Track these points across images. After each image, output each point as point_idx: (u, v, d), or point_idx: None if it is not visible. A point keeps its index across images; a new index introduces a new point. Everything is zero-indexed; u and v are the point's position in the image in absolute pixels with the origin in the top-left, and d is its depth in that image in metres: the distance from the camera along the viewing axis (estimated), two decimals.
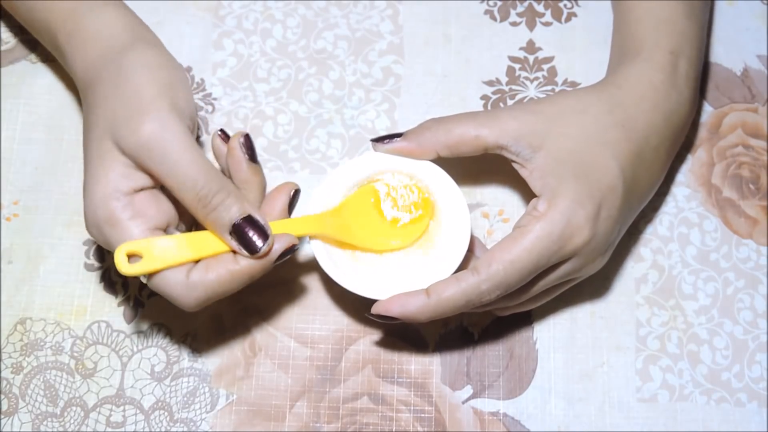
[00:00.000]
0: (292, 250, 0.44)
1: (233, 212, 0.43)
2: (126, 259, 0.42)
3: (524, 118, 0.47)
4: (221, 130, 0.48)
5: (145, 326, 0.52)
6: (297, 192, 0.47)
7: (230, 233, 0.43)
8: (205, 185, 0.43)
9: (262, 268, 0.44)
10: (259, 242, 0.43)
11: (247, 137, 0.46)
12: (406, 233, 0.49)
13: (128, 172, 0.44)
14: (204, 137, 0.56)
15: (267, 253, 0.43)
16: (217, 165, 0.48)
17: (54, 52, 0.51)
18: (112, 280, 0.53)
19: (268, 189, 0.48)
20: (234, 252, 0.44)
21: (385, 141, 0.49)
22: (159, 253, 0.42)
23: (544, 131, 0.46)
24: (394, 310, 0.45)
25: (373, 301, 0.46)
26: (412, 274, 0.47)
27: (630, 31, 0.52)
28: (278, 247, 0.44)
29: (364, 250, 0.48)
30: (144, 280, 0.44)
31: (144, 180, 0.44)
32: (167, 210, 0.45)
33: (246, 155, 0.46)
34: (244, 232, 0.43)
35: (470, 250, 0.48)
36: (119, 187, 0.43)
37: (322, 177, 0.52)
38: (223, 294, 0.44)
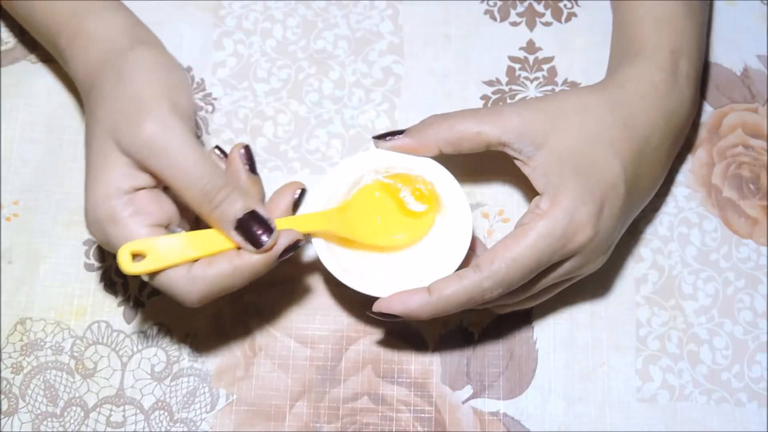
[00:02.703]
0: (296, 245, 0.44)
1: (238, 207, 0.43)
2: (130, 258, 0.42)
3: (527, 115, 0.47)
4: (217, 147, 0.48)
5: (145, 326, 0.52)
6: (303, 192, 0.47)
7: (235, 228, 0.43)
8: (209, 182, 0.43)
9: (266, 264, 0.44)
10: (263, 237, 0.43)
11: (247, 149, 0.46)
12: (413, 228, 0.49)
13: (129, 172, 0.44)
14: (204, 137, 0.56)
15: (271, 248, 0.43)
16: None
17: (54, 54, 0.51)
18: (112, 280, 0.53)
19: (268, 190, 0.48)
20: (238, 248, 0.44)
21: (387, 138, 0.49)
22: (162, 252, 0.42)
23: (546, 129, 0.46)
24: (396, 308, 0.45)
25: (375, 299, 0.46)
26: (413, 272, 0.47)
27: (630, 31, 0.52)
28: (282, 242, 0.44)
29: (370, 247, 0.48)
30: (146, 279, 0.44)
31: (145, 179, 0.44)
32: (168, 208, 0.45)
33: (246, 166, 0.46)
34: (249, 226, 0.43)
35: (471, 249, 0.48)
36: (120, 186, 0.43)
37: (322, 177, 0.51)
38: (225, 289, 0.44)
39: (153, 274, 0.43)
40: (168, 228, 0.45)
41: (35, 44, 0.58)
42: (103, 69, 0.46)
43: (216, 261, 0.43)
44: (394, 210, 0.49)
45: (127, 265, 0.42)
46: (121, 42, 0.47)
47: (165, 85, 0.45)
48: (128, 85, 0.44)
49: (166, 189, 0.45)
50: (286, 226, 0.45)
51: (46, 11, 0.49)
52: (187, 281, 0.43)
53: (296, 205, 0.47)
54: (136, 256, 0.42)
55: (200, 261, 0.44)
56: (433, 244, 0.49)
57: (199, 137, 0.56)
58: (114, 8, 0.49)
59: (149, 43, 0.48)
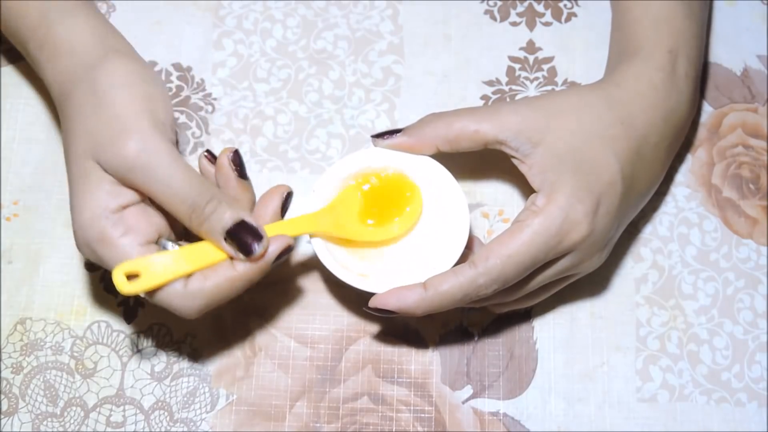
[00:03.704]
0: (288, 250, 0.44)
1: (226, 218, 0.43)
2: (125, 279, 0.42)
3: (524, 113, 0.47)
4: (207, 151, 0.47)
5: (145, 326, 0.52)
6: (289, 195, 0.46)
7: (225, 239, 0.43)
8: (196, 197, 0.43)
9: (259, 272, 0.44)
10: (254, 245, 0.43)
11: (235, 153, 0.46)
12: (400, 222, 0.49)
13: (115, 190, 0.44)
14: (204, 137, 0.56)
15: (263, 255, 0.43)
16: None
17: (27, 59, 0.50)
18: (112, 280, 0.53)
19: (268, 188, 0.48)
20: (231, 258, 0.44)
21: (385, 136, 0.49)
22: (157, 270, 0.43)
23: (543, 127, 0.47)
24: (392, 304, 0.45)
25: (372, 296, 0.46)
26: (411, 269, 0.47)
27: (629, 31, 0.52)
28: (273, 249, 0.44)
29: (361, 244, 0.49)
30: (143, 295, 0.44)
31: (131, 196, 0.44)
32: (157, 222, 0.45)
33: (235, 172, 0.46)
34: (239, 236, 0.43)
35: (469, 248, 0.48)
36: (107, 206, 0.43)
37: (321, 176, 0.51)
38: (222, 300, 0.44)
39: (150, 292, 0.43)
40: (159, 241, 0.45)
41: None
42: (75, 82, 0.45)
43: (211, 274, 0.43)
44: (380, 204, 0.49)
45: (122, 285, 0.42)
46: (92, 52, 0.46)
47: (142, 99, 0.44)
48: (105, 104, 0.44)
49: (153, 201, 0.45)
50: (276, 232, 0.45)
51: (15, 14, 0.48)
52: (184, 297, 0.43)
53: (284, 208, 0.46)
54: (131, 276, 0.43)
55: (196, 275, 0.44)
56: (431, 242, 0.49)
57: (196, 137, 0.56)
58: (85, 13, 0.48)
59: (122, 52, 0.47)
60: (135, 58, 0.47)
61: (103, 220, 0.43)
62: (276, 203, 0.46)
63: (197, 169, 0.46)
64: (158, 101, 0.45)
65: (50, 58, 0.47)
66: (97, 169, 0.44)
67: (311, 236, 0.47)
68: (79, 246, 0.44)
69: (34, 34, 0.47)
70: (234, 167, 0.46)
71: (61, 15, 0.47)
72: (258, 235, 0.43)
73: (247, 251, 0.43)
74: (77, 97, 0.45)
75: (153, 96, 0.45)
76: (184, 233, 0.47)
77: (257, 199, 0.47)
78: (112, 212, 0.43)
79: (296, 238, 0.46)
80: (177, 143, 0.46)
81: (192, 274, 0.44)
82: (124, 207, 0.44)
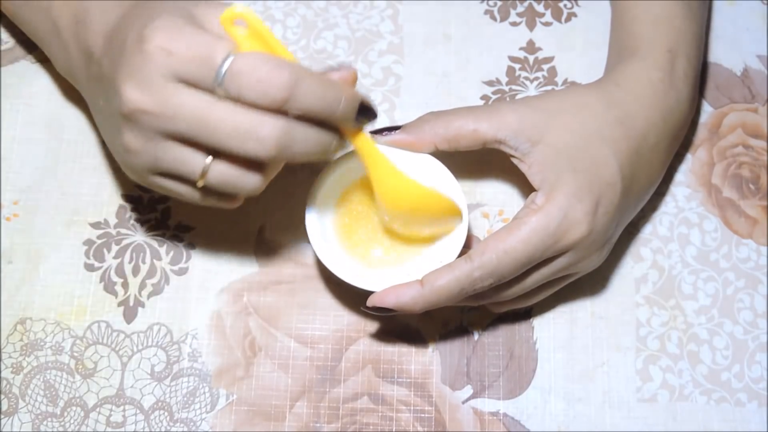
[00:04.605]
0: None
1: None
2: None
3: (523, 112, 0.47)
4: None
5: (145, 326, 0.52)
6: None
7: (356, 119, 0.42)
8: None
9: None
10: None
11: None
12: (437, 227, 0.48)
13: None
14: None
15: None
16: None
17: (51, 41, 0.48)
18: (112, 280, 0.53)
19: (268, 189, 0.48)
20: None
21: (384, 133, 0.49)
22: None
23: (542, 126, 0.47)
24: (389, 301, 0.45)
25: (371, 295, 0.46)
26: (409, 268, 0.47)
27: (628, 30, 0.52)
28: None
29: (363, 239, 0.48)
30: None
31: None
32: None
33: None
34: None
35: (467, 247, 0.48)
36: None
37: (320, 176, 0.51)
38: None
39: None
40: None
41: (35, 44, 0.58)
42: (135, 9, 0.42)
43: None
44: (428, 203, 0.47)
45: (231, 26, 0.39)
46: None
47: None
48: None
49: None
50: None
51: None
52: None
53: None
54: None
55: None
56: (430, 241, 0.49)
57: None
58: None
59: None
60: None
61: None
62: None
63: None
64: None
65: (95, 14, 0.44)
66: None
67: (311, 241, 0.46)
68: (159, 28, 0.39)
69: (66, 6, 0.45)
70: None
71: None
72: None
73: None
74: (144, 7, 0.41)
75: None
76: None
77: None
78: None
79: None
80: None
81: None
82: None
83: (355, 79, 0.42)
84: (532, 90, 0.57)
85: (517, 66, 0.58)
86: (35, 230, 0.54)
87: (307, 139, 0.40)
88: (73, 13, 0.45)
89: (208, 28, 0.39)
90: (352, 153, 0.49)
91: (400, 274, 0.47)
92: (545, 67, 0.58)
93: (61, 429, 0.50)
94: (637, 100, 0.48)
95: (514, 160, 0.48)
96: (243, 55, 0.38)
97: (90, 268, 0.53)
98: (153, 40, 0.38)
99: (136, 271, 0.53)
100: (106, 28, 0.43)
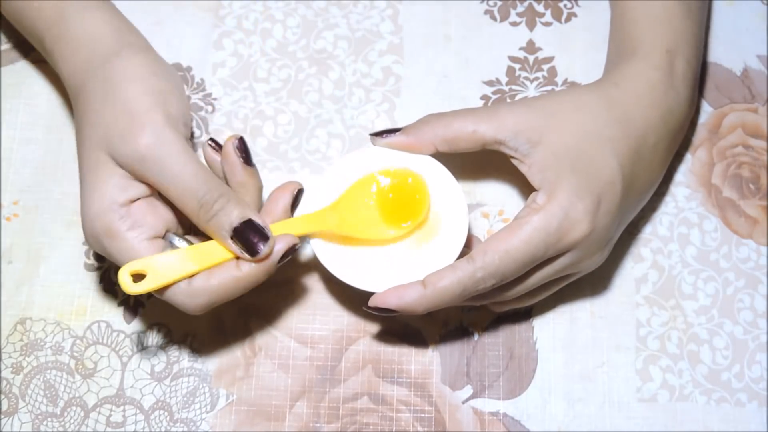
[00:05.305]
0: (293, 250, 0.45)
1: (234, 216, 0.43)
2: (130, 279, 0.42)
3: (522, 113, 0.47)
4: (211, 139, 0.48)
5: (145, 326, 0.52)
6: (300, 191, 0.47)
7: (231, 238, 0.43)
8: (206, 193, 0.43)
9: (265, 272, 0.44)
10: (260, 245, 0.43)
11: (240, 140, 0.46)
12: (408, 219, 0.49)
13: (124, 183, 0.44)
14: (203, 137, 0.56)
15: (268, 255, 0.44)
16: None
17: (42, 53, 0.51)
18: (112, 280, 0.53)
19: (267, 189, 0.48)
20: (237, 258, 0.44)
21: (384, 135, 0.49)
22: (162, 269, 0.43)
23: (542, 126, 0.47)
24: (391, 302, 0.45)
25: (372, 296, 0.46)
26: (410, 269, 0.47)
27: (627, 30, 0.52)
28: (279, 248, 0.44)
29: (365, 243, 0.48)
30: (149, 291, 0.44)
31: (140, 189, 0.44)
32: (165, 215, 0.45)
33: (240, 159, 0.46)
34: (245, 235, 0.43)
35: (468, 247, 0.48)
36: (116, 199, 0.44)
37: (320, 176, 0.51)
38: (227, 298, 0.44)
39: (156, 291, 0.43)
40: (166, 236, 0.45)
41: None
42: (90, 73, 0.46)
43: (216, 273, 0.44)
44: (386, 202, 0.49)
45: (128, 286, 0.42)
46: (107, 45, 0.47)
47: (156, 93, 0.45)
48: (118, 96, 0.44)
49: (161, 195, 0.45)
50: (282, 231, 0.45)
51: (34, 10, 0.49)
52: (188, 294, 0.44)
53: (294, 205, 0.47)
54: (137, 276, 0.43)
55: (201, 273, 0.44)
56: (430, 242, 0.49)
57: (193, 136, 0.56)
58: (101, 9, 0.48)
59: (137, 47, 0.47)
60: (150, 53, 0.48)
61: (111, 213, 0.43)
62: (286, 200, 0.46)
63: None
64: (172, 96, 0.46)
65: (66, 51, 0.47)
66: (109, 161, 0.44)
67: (312, 237, 0.47)
68: (87, 238, 0.45)
69: (51, 27, 0.48)
70: (239, 154, 0.46)
71: (78, 10, 0.48)
72: (264, 236, 0.43)
73: (252, 251, 0.43)
74: (91, 89, 0.45)
75: (167, 91, 0.46)
76: (191, 228, 0.47)
77: (266, 196, 0.47)
78: (121, 206, 0.44)
79: (301, 237, 0.46)
80: (192, 137, 0.47)
81: (197, 273, 0.44)
82: (133, 201, 0.44)
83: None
84: (532, 90, 0.57)
85: (517, 66, 0.58)
86: (35, 230, 0.54)
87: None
88: (53, 35, 0.48)
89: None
90: (352, 153, 0.50)
91: (401, 274, 0.47)
92: (545, 67, 0.58)
93: (61, 429, 0.50)
94: (636, 100, 0.48)
95: (514, 161, 0.48)
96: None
97: (90, 268, 0.53)
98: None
99: None
100: (74, 82, 0.47)
